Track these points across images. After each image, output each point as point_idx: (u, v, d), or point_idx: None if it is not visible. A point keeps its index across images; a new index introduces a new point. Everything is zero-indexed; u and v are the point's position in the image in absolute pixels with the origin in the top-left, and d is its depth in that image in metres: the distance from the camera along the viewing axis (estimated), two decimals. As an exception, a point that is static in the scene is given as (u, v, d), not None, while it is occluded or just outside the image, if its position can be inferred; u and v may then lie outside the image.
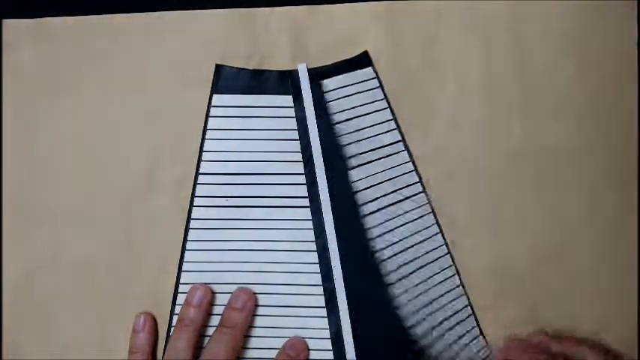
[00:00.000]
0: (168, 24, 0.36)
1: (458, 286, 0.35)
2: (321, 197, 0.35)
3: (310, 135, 0.36)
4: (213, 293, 0.35)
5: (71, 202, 0.37)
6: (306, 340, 0.35)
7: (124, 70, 0.37)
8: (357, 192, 0.36)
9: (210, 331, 0.35)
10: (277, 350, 0.35)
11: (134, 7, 0.36)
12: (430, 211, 0.36)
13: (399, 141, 0.36)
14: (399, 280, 0.35)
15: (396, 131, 0.36)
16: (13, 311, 0.36)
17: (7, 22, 0.37)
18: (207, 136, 0.36)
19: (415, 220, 0.36)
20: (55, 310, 0.36)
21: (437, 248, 0.36)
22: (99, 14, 0.37)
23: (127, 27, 0.37)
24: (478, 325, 0.35)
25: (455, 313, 0.35)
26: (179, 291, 0.36)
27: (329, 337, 0.35)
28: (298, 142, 0.36)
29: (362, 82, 0.36)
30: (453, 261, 0.35)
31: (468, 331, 0.35)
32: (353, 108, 0.36)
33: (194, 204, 0.36)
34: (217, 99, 0.37)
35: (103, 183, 0.37)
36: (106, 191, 0.36)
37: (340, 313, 0.35)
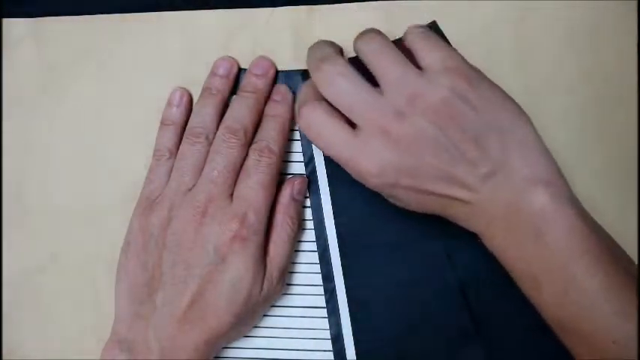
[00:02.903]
0: (168, 24, 0.36)
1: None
2: (322, 198, 0.35)
3: (311, 135, 0.35)
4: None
5: (71, 202, 0.37)
6: (306, 340, 0.35)
7: (124, 70, 0.37)
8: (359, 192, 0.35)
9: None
10: (277, 351, 0.35)
11: (134, 7, 0.36)
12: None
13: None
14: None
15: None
16: (13, 311, 0.36)
17: (7, 22, 0.37)
18: (207, 136, 0.36)
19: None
20: (55, 310, 0.36)
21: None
22: (99, 14, 0.37)
23: (126, 27, 0.37)
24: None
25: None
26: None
27: (329, 337, 0.35)
28: (299, 142, 0.36)
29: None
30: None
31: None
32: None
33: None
34: (217, 99, 0.37)
35: (103, 183, 0.37)
36: (106, 191, 0.36)
37: (340, 313, 0.35)
